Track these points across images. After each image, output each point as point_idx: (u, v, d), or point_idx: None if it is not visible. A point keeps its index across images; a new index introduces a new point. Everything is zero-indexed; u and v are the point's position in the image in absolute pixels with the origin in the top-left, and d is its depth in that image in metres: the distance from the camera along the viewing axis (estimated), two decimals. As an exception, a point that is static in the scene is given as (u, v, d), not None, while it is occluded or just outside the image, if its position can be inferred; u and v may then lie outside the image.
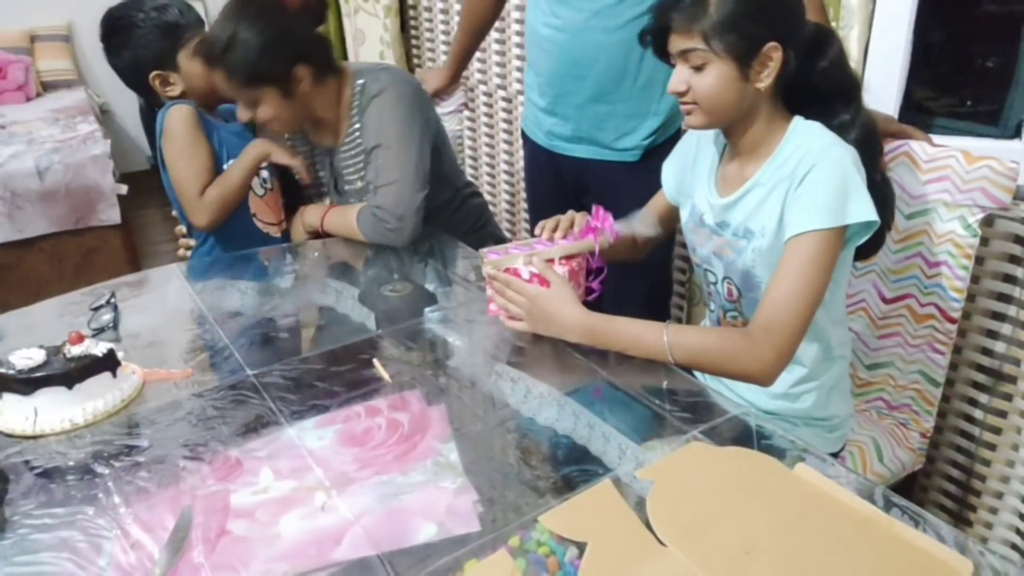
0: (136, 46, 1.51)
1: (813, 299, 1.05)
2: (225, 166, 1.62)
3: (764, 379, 1.07)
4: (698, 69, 1.09)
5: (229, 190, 1.58)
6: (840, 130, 1.12)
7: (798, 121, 1.14)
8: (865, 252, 1.20)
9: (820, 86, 1.13)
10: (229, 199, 1.59)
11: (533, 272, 1.17)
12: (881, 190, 1.13)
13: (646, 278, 1.77)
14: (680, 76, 1.11)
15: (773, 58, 1.06)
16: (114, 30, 1.51)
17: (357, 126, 1.61)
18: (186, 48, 1.53)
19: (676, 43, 1.09)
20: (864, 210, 1.05)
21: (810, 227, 1.05)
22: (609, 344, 1.12)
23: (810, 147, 1.10)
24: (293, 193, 1.75)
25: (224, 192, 1.58)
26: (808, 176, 1.07)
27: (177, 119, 1.54)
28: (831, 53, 1.12)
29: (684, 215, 1.31)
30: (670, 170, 1.36)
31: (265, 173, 1.69)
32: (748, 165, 1.16)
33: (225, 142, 1.62)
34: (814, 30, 1.12)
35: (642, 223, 1.31)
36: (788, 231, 1.07)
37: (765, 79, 1.08)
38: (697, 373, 1.32)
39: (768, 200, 1.12)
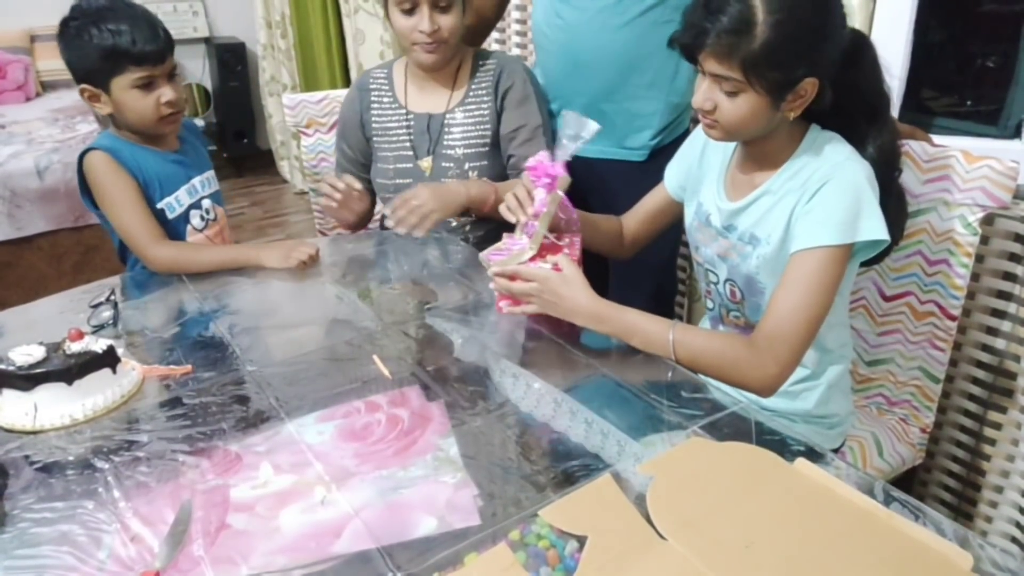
0: (72, 52, 1.44)
1: (818, 314, 1.05)
2: (162, 202, 1.53)
3: (764, 391, 1.06)
4: (729, 95, 1.05)
5: (191, 262, 1.49)
6: (858, 145, 1.10)
7: (814, 131, 1.12)
8: (870, 261, 1.20)
9: (845, 99, 1.09)
10: (185, 268, 1.49)
11: (544, 266, 1.18)
12: (894, 210, 1.12)
13: (652, 278, 1.77)
14: (707, 94, 1.07)
15: (808, 92, 1.04)
16: (65, 26, 1.44)
17: (485, 100, 1.64)
18: (123, 76, 1.43)
19: (710, 65, 1.04)
20: (875, 228, 1.04)
21: (818, 243, 1.04)
22: (614, 332, 1.12)
23: (824, 160, 1.08)
24: None
25: (185, 261, 1.49)
26: (820, 191, 1.06)
27: (95, 169, 1.49)
28: (863, 64, 1.08)
29: (689, 213, 1.30)
30: (675, 167, 1.36)
31: (208, 203, 1.62)
32: (759, 172, 1.16)
33: (161, 173, 1.54)
34: (849, 37, 1.08)
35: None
36: (796, 244, 1.06)
37: (796, 109, 1.06)
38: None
39: (776, 208, 1.12)
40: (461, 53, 1.66)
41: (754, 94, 1.03)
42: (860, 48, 1.09)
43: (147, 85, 1.45)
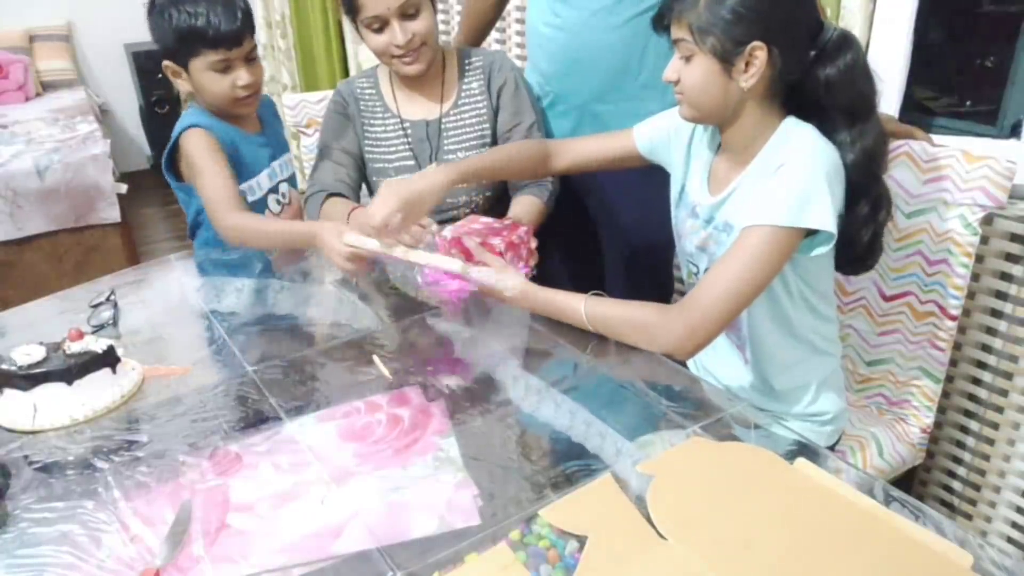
0: (156, 30, 1.46)
1: (744, 289, 1.05)
2: (243, 184, 1.54)
3: (673, 351, 1.09)
4: (687, 60, 1.10)
5: (258, 235, 1.46)
6: (839, 146, 1.10)
7: (788, 122, 1.12)
8: (852, 268, 1.20)
9: (822, 96, 1.10)
10: (252, 241, 1.47)
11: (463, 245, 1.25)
12: (866, 219, 1.12)
13: (649, 280, 1.78)
14: (674, 65, 1.13)
15: (757, 57, 1.05)
16: (152, 4, 1.46)
17: (479, 100, 1.63)
18: (200, 58, 1.45)
19: (672, 32, 1.11)
20: (822, 219, 1.04)
21: (761, 221, 1.05)
22: (539, 309, 1.20)
23: (789, 146, 1.09)
24: None
25: (253, 233, 1.46)
26: (777, 172, 1.07)
27: (193, 144, 1.49)
28: (842, 62, 1.08)
29: (674, 197, 1.31)
30: (653, 127, 1.35)
31: (284, 187, 1.64)
32: (737, 165, 1.17)
33: (247, 155, 1.56)
34: (836, 35, 1.09)
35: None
36: (744, 220, 1.07)
37: (749, 79, 1.07)
38: (693, 369, 1.33)
39: (747, 197, 1.12)
40: (443, 52, 1.64)
41: (704, 57, 1.08)
42: (841, 47, 1.09)
43: (224, 68, 1.46)
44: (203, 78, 1.47)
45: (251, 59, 1.50)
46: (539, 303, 1.19)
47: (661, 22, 1.14)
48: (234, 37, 1.44)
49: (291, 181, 1.68)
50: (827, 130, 1.11)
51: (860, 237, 1.12)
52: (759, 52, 1.05)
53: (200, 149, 1.48)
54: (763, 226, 1.04)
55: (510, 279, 1.20)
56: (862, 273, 1.24)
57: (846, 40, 1.09)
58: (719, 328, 1.08)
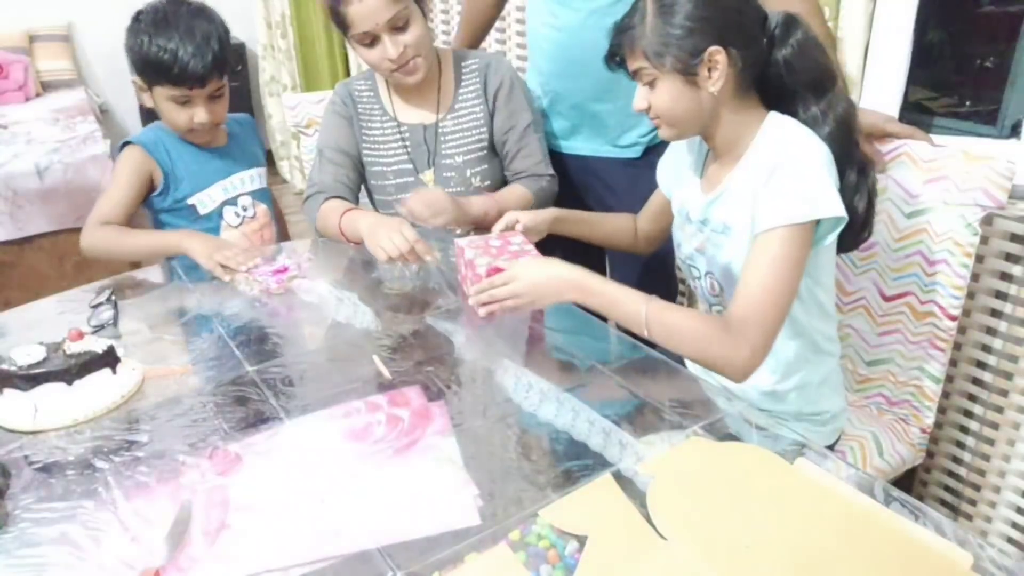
0: (129, 47, 1.47)
1: (787, 294, 1.05)
2: (192, 197, 1.58)
3: (736, 373, 1.04)
4: (651, 86, 1.12)
5: (118, 245, 1.52)
6: (812, 124, 1.11)
7: (772, 117, 1.14)
8: (852, 243, 1.20)
9: (785, 77, 1.12)
10: (113, 251, 1.54)
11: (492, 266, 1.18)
12: (857, 186, 1.12)
13: (652, 281, 1.77)
14: (640, 94, 1.14)
15: (718, 62, 1.07)
16: (135, 20, 1.47)
17: (476, 104, 1.63)
18: (162, 88, 1.48)
19: (629, 64, 1.13)
20: (831, 206, 1.05)
21: (779, 223, 1.05)
22: (594, 304, 1.11)
23: (780, 143, 1.10)
24: None
25: (111, 245, 1.52)
26: (777, 172, 1.07)
27: (121, 159, 1.57)
28: (793, 41, 1.11)
29: (674, 211, 1.32)
30: (663, 165, 1.38)
31: (247, 200, 1.63)
32: (727, 164, 1.18)
33: (195, 169, 1.58)
34: (781, 19, 1.12)
35: None
36: (759, 226, 1.07)
37: (716, 83, 1.08)
38: (692, 367, 1.33)
39: (742, 196, 1.13)
40: (439, 56, 1.64)
41: (665, 77, 1.09)
42: (788, 27, 1.11)
43: (183, 102, 1.49)
44: (162, 105, 1.51)
45: (216, 97, 1.52)
46: (594, 296, 1.10)
47: (614, 59, 1.15)
48: (198, 78, 1.46)
49: (259, 195, 1.67)
50: (799, 109, 1.13)
51: (856, 207, 1.13)
52: (718, 56, 1.07)
53: (121, 165, 1.56)
54: (781, 227, 1.04)
55: (558, 269, 1.12)
56: (860, 245, 1.22)
57: (791, 20, 1.12)
58: (773, 341, 1.06)
